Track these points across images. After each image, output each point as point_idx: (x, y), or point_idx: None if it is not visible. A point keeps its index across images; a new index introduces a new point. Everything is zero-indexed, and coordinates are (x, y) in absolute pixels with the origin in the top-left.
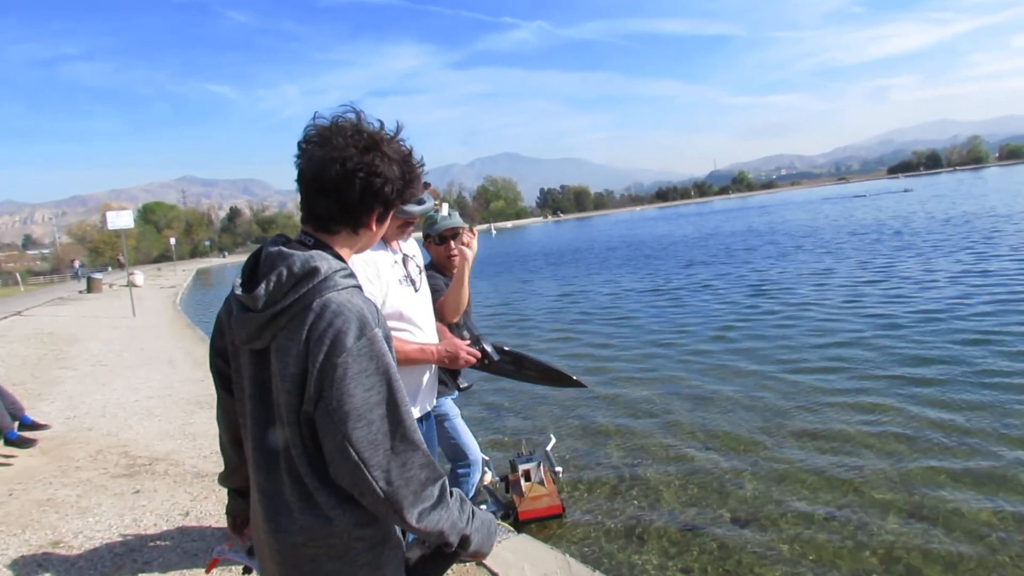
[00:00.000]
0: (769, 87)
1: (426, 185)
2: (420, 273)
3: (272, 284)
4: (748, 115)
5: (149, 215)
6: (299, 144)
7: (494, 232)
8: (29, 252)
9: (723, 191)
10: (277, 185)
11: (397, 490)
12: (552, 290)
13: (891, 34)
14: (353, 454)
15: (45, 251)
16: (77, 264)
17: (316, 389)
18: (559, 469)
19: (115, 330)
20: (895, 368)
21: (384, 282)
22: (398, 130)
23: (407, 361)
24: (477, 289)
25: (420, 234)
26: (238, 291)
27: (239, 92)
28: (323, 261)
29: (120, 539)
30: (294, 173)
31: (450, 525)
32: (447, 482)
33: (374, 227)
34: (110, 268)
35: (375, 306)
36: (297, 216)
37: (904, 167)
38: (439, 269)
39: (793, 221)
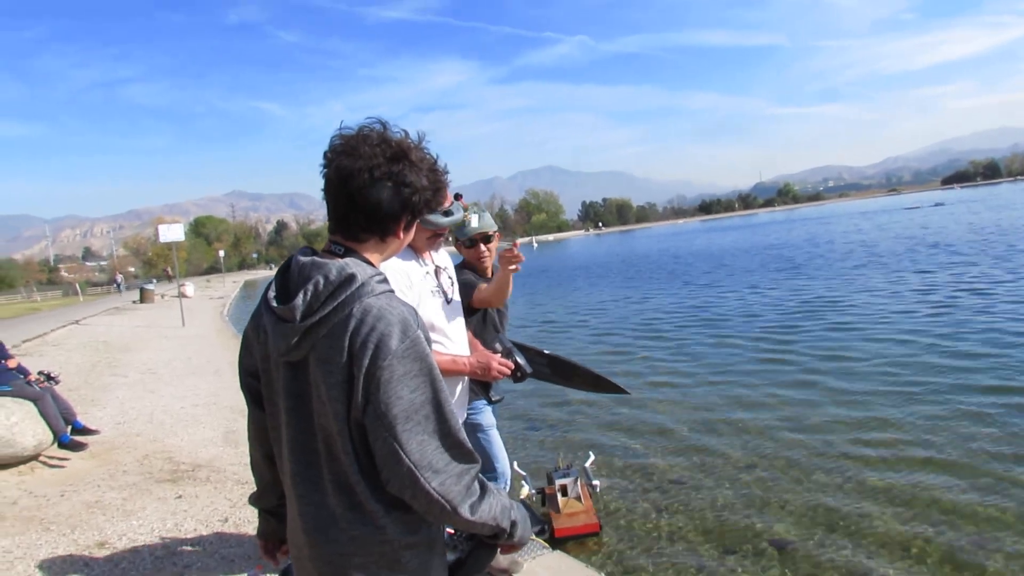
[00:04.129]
0: (815, 97)
1: (457, 196)
2: (452, 284)
3: (309, 294)
4: (793, 126)
5: (200, 228)
6: (325, 154)
7: (535, 245)
8: (88, 264)
9: (768, 203)
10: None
11: (448, 488)
12: (618, 300)
13: (944, 40)
14: (405, 457)
15: (103, 263)
16: (119, 278)
17: (364, 394)
18: (597, 484)
19: (165, 339)
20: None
21: (416, 292)
22: (421, 139)
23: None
24: (523, 300)
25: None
26: (272, 303)
27: (286, 109)
28: (358, 267)
29: (161, 542)
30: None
31: (501, 510)
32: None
33: (402, 235)
34: (155, 280)
35: (413, 309)
36: None
37: (959, 177)
38: (471, 268)
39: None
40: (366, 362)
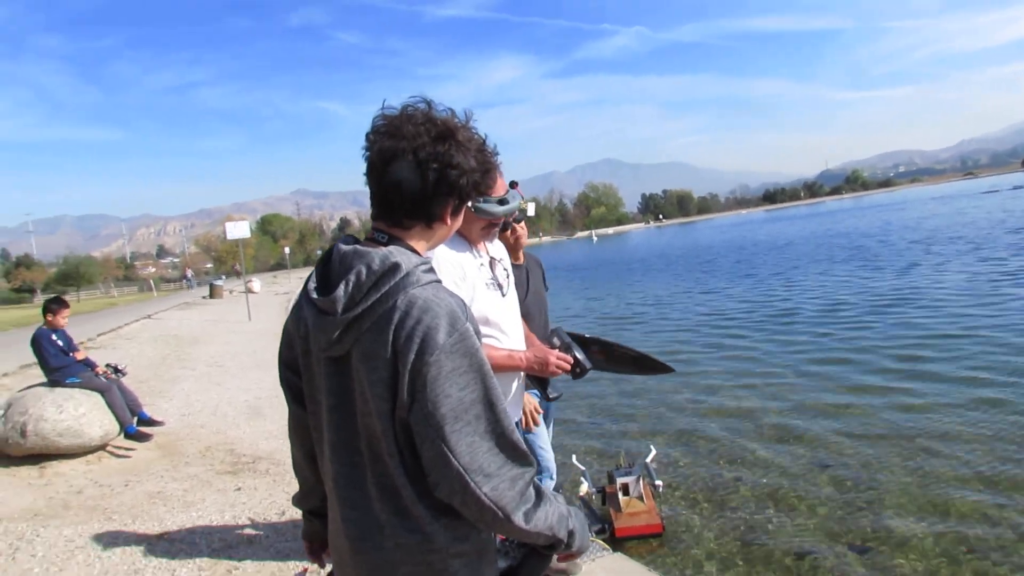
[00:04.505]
0: (884, 80)
1: (513, 184)
2: (508, 277)
3: (351, 284)
4: (861, 111)
5: (267, 226)
6: (367, 136)
7: (595, 239)
8: (162, 260)
9: (835, 191)
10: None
11: (502, 494)
12: (678, 293)
13: (1021, 15)
14: (454, 460)
15: (175, 260)
16: (190, 274)
17: (409, 392)
18: (660, 483)
19: (232, 334)
20: None
21: (470, 285)
22: (469, 118)
23: (495, 368)
24: (579, 294)
25: None
26: (313, 295)
27: (349, 108)
28: (402, 256)
29: (219, 535)
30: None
31: (558, 519)
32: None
33: (449, 220)
34: (224, 277)
35: (461, 300)
36: None
37: None
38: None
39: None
40: (412, 357)
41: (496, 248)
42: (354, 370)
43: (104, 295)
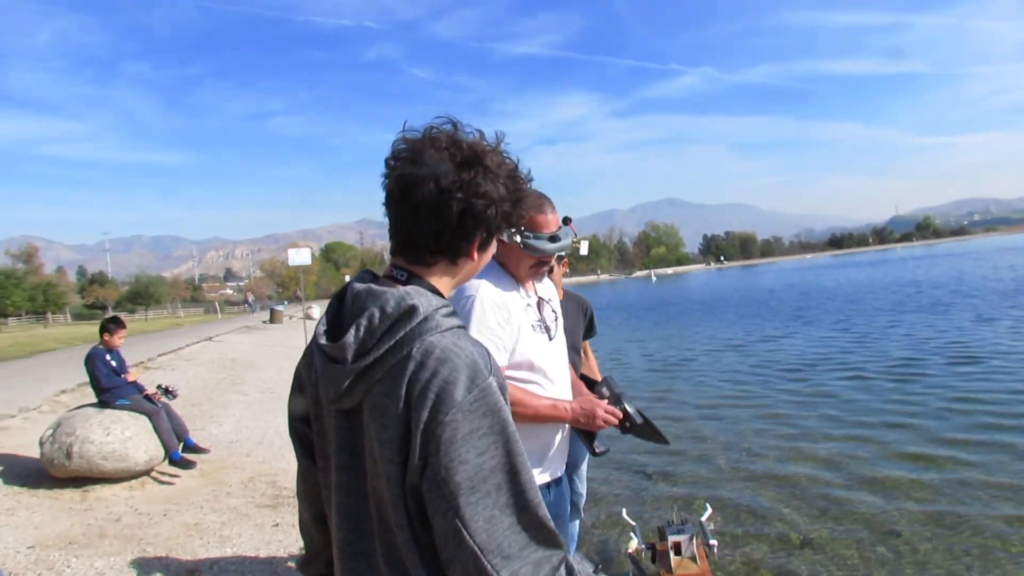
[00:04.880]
0: (959, 126)
1: (566, 220)
2: (556, 319)
3: (363, 329)
4: (935, 157)
5: (330, 254)
6: (387, 161)
7: (654, 279)
8: (228, 284)
9: (905, 238)
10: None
11: None
12: (735, 338)
13: None
14: (468, 538)
15: (241, 283)
16: (251, 298)
17: (422, 455)
18: (714, 543)
19: (287, 360)
20: None
21: (515, 327)
22: (500, 140)
23: (537, 418)
24: (627, 335)
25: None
26: (322, 340)
27: None
28: (421, 298)
29: (251, 573)
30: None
31: None
32: (570, 560)
33: (475, 256)
34: (286, 302)
35: (486, 349)
36: None
37: None
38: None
39: None
40: (425, 415)
41: (546, 288)
42: (365, 425)
43: (171, 315)
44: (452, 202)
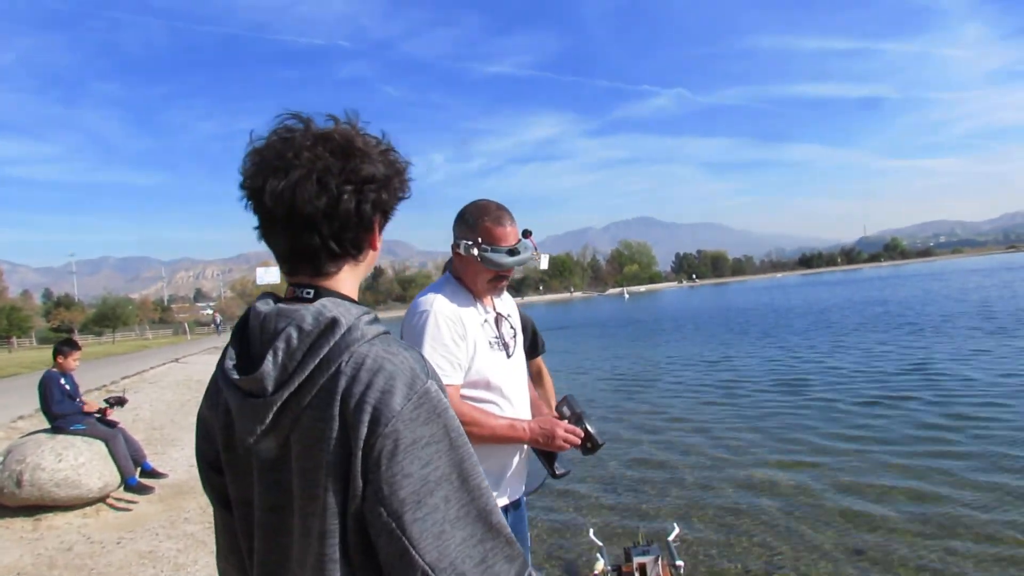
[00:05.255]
0: (925, 150)
1: (526, 233)
2: (515, 336)
3: (281, 353)
4: (901, 179)
5: None
6: (242, 184)
7: (627, 296)
8: (198, 304)
9: (874, 258)
10: (419, 246)
11: None
12: (707, 355)
13: None
14: (418, 558)
15: (212, 303)
16: (219, 318)
17: (363, 475)
18: (681, 564)
19: None
20: None
21: (471, 343)
22: (353, 118)
23: (494, 438)
24: (600, 351)
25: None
26: (232, 374)
27: None
28: (339, 308)
29: None
30: (436, 235)
31: None
32: (531, 565)
33: (378, 244)
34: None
35: (420, 354)
36: (436, 274)
37: None
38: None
39: None
40: (363, 431)
41: (504, 303)
42: (293, 459)
43: (139, 337)
44: (343, 196)
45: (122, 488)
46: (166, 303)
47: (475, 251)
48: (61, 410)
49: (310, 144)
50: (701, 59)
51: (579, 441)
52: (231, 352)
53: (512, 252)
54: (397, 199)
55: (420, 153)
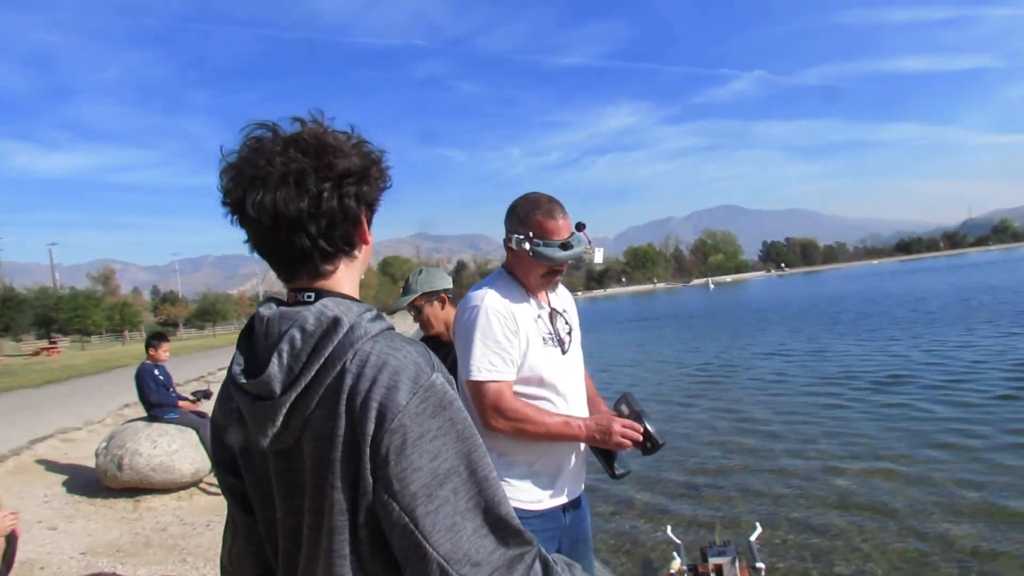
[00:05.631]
0: None
1: (580, 226)
2: (571, 332)
3: (286, 355)
4: (1009, 156)
5: (387, 268)
6: (224, 200)
7: (712, 286)
8: None
9: (980, 242)
10: (500, 239)
11: None
12: (796, 349)
13: None
14: (431, 550)
15: None
16: None
17: (372, 471)
18: (762, 566)
19: None
20: None
21: (523, 339)
22: (318, 117)
23: (548, 436)
24: (677, 345)
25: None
26: (240, 379)
27: (468, 155)
28: (340, 307)
29: None
30: None
31: None
32: (543, 551)
33: (369, 238)
34: None
35: (424, 347)
36: None
37: None
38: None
39: None
40: (371, 428)
41: (560, 298)
42: (307, 459)
43: (237, 331)
44: (324, 194)
45: (212, 474)
46: (261, 298)
47: (527, 245)
48: (157, 399)
49: (280, 149)
50: (781, 39)
51: (639, 438)
52: (238, 357)
53: (565, 246)
54: (379, 189)
55: (497, 148)
